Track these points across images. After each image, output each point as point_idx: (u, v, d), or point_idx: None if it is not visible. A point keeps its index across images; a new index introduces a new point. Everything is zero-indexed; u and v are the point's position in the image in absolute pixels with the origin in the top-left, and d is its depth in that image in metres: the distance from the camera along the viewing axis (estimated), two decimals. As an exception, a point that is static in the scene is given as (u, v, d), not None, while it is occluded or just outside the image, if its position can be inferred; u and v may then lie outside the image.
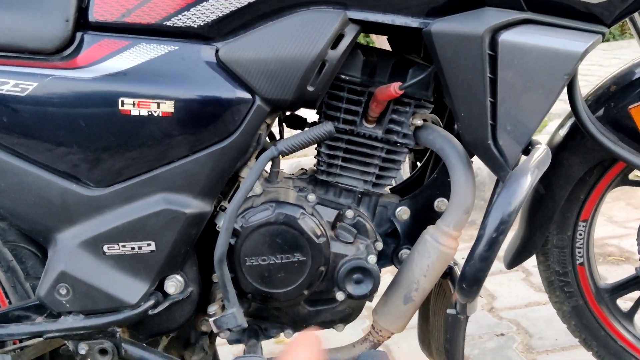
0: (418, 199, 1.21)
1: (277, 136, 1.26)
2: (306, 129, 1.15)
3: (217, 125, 1.03)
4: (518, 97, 1.00)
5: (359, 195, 1.18)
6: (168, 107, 1.01)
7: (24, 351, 1.14)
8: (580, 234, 1.37)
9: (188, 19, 1.00)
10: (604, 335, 1.41)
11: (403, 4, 1.01)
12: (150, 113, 1.01)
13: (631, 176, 1.36)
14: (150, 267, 1.08)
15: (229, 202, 1.11)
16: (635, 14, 1.20)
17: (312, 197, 1.15)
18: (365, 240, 1.16)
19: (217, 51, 1.02)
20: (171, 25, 1.01)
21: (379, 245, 1.18)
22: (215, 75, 1.02)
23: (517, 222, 1.42)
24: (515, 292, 2.11)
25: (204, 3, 1.00)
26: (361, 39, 1.08)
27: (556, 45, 0.98)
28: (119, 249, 1.07)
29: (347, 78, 1.09)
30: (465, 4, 1.00)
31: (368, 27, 1.05)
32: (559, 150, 1.30)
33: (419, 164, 1.38)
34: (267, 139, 1.17)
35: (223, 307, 1.10)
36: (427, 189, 1.21)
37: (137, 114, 1.01)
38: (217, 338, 1.26)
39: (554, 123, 3.02)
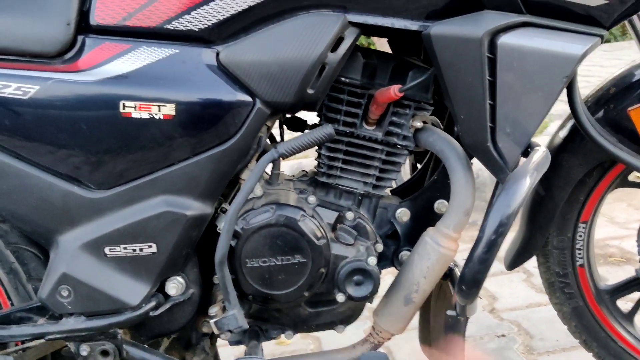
0: (418, 201, 1.21)
1: (278, 138, 1.27)
2: (306, 131, 1.15)
3: (218, 128, 1.03)
4: (517, 100, 1.00)
5: (359, 197, 1.18)
6: (169, 110, 1.01)
7: (26, 352, 1.15)
8: (580, 236, 1.37)
9: (189, 22, 1.01)
10: (604, 337, 1.41)
11: (402, 7, 1.01)
12: (151, 116, 1.01)
13: (631, 178, 1.37)
14: (151, 269, 1.09)
15: (229, 204, 1.11)
16: (634, 17, 1.21)
17: (312, 199, 1.16)
18: (366, 242, 1.16)
19: (217, 54, 1.02)
20: (172, 28, 1.01)
21: (379, 247, 1.18)
22: (215, 78, 1.02)
23: (518, 224, 1.42)
24: (516, 293, 2.10)
25: (205, 6, 1.00)
26: (362, 40, 1.09)
27: (555, 47, 0.99)
28: (120, 251, 1.07)
29: (347, 80, 1.10)
30: (464, 7, 1.00)
31: (368, 30, 1.06)
32: (558, 152, 1.30)
33: (419, 166, 1.39)
34: (267, 141, 1.18)
35: (224, 309, 1.10)
36: (427, 190, 1.21)
37: (138, 116, 1.01)
38: (218, 339, 1.26)
39: (554, 124, 3.01)
